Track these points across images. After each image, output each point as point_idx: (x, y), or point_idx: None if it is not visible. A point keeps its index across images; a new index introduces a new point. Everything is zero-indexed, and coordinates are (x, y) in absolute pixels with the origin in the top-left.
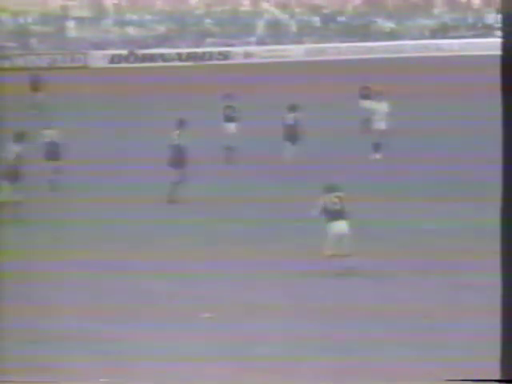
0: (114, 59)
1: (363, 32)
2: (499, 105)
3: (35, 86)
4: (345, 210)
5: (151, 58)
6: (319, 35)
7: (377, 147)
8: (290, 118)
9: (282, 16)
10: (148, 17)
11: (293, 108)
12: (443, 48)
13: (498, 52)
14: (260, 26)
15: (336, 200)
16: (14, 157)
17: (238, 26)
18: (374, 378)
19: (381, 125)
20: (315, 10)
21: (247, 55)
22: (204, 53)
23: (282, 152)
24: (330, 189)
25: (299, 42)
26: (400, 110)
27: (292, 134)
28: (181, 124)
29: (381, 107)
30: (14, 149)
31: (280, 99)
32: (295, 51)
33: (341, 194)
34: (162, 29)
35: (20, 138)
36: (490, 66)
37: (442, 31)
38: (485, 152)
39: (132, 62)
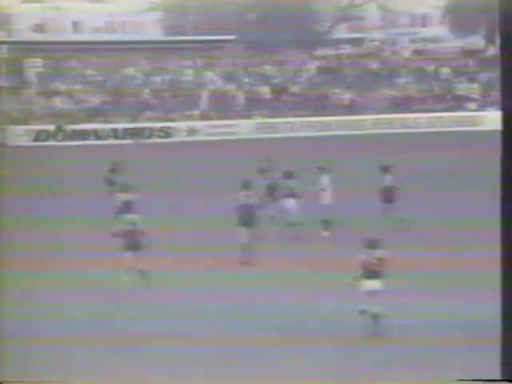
0: (39, 136)
1: (319, 104)
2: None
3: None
4: (381, 270)
5: (83, 134)
6: (270, 108)
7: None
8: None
9: (229, 87)
10: (78, 86)
11: (288, 174)
12: (408, 123)
13: (470, 127)
14: (204, 98)
15: (375, 262)
16: (132, 225)
17: (179, 98)
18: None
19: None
20: (265, 79)
21: (191, 132)
22: (143, 129)
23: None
24: (371, 244)
25: (248, 115)
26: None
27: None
28: (247, 184)
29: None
30: (131, 218)
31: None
32: (244, 127)
33: (382, 254)
34: (94, 100)
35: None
36: (461, 144)
37: (407, 103)
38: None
39: (61, 140)
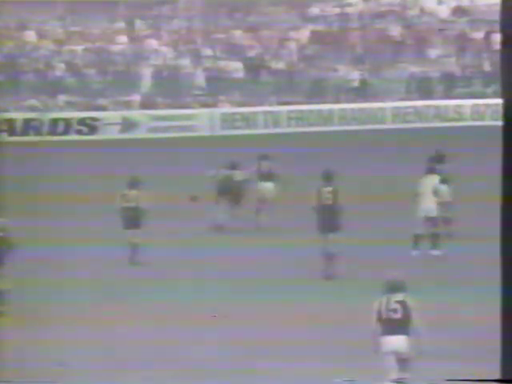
0: None
1: (315, 87)
2: None
3: None
4: (408, 321)
5: None
6: (243, 92)
7: None
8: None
9: (182, 61)
10: None
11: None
12: (445, 113)
13: None
14: (146, 77)
15: (396, 306)
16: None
17: (109, 77)
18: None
19: None
20: (236, 51)
21: (127, 125)
22: (55, 120)
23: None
24: (393, 287)
25: (211, 103)
26: None
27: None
28: (328, 177)
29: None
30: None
31: None
32: (205, 119)
33: (404, 295)
34: None
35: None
36: None
37: (443, 85)
38: None
39: None
